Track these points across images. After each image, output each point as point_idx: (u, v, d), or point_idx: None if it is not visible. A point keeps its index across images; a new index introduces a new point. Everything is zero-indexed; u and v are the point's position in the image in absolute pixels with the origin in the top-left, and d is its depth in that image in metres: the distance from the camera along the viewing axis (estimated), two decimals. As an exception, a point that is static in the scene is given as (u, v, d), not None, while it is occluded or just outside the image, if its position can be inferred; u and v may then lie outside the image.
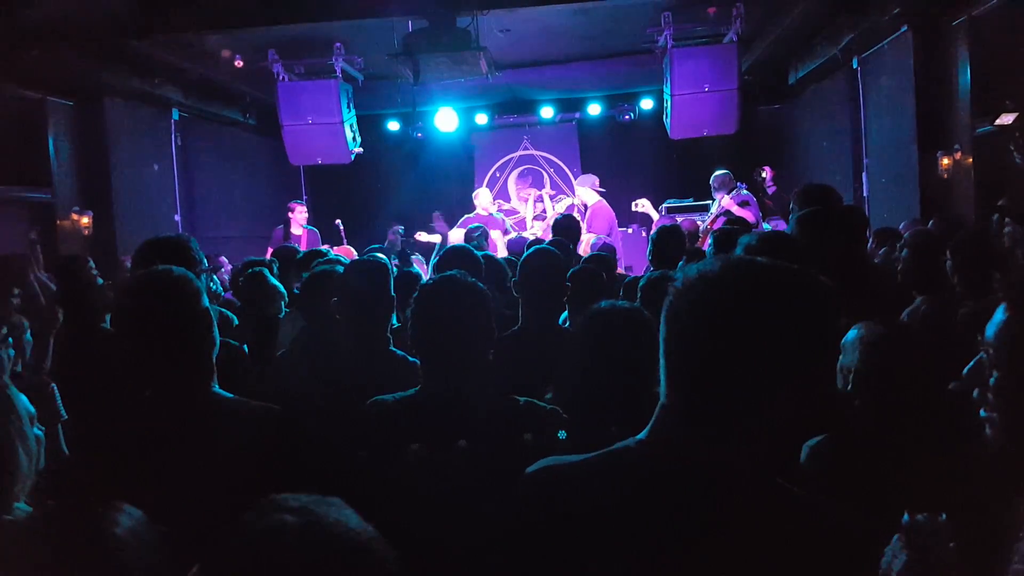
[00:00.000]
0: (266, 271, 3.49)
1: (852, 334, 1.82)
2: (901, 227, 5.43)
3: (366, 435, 1.63)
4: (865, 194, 7.48)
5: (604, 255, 4.03)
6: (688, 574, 0.96)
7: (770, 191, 7.88)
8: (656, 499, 0.98)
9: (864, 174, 7.52)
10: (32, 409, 1.41)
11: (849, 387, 1.78)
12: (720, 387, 0.96)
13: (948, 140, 6.05)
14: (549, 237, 6.13)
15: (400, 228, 8.20)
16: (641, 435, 1.04)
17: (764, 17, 7.28)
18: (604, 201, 7.08)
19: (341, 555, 0.72)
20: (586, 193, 7.24)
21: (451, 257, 3.00)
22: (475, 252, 3.15)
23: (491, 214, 7.66)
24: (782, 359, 0.95)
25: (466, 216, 7.61)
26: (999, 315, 1.11)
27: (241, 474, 1.38)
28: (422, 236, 7.83)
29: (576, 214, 6.87)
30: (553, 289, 2.59)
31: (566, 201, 7.86)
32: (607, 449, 1.06)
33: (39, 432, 1.44)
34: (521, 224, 10.95)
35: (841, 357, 1.82)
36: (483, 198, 7.81)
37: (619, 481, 1.01)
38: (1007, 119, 5.13)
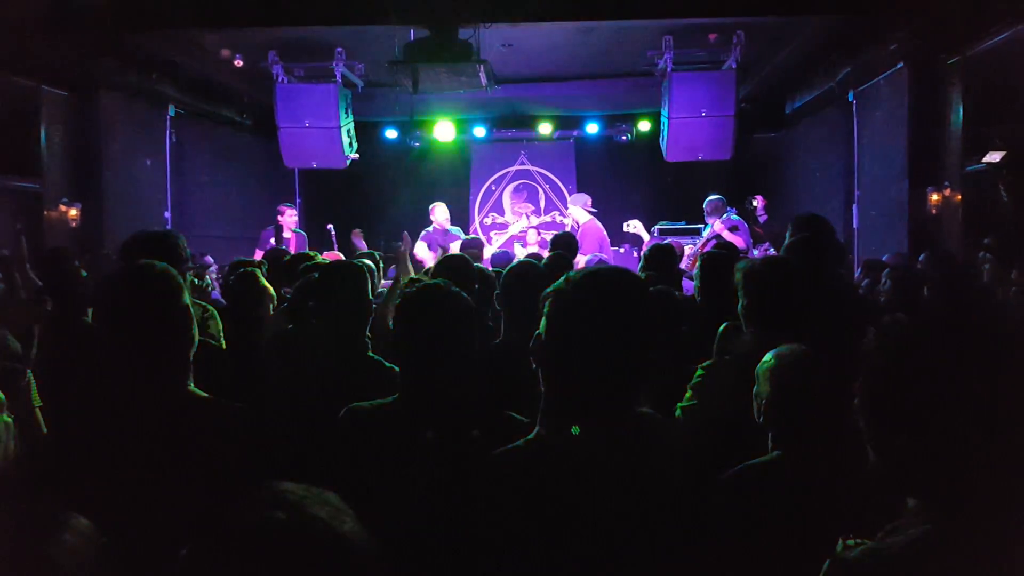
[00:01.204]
0: (258, 272, 3.46)
1: (765, 363, 1.79)
2: (885, 259, 5.48)
3: (341, 441, 1.61)
4: (855, 226, 7.54)
5: None
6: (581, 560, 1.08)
7: (761, 219, 7.93)
8: (549, 491, 1.10)
9: (855, 206, 7.58)
10: (1, 396, 1.38)
11: (761, 418, 1.76)
12: (583, 377, 1.11)
13: (939, 176, 6.12)
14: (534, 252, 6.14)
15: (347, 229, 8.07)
16: (530, 436, 1.18)
17: (763, 46, 7.37)
18: (595, 220, 7.10)
19: (326, 556, 0.72)
20: (578, 212, 7.27)
21: (447, 266, 2.98)
22: (471, 262, 3.14)
23: (447, 229, 7.71)
24: (626, 344, 1.11)
25: (425, 231, 7.60)
26: None
27: (208, 473, 1.35)
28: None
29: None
30: (535, 302, 2.56)
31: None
32: (505, 448, 1.20)
33: (7, 419, 1.41)
34: (513, 239, 10.97)
35: (756, 386, 1.80)
36: (439, 213, 7.76)
37: (518, 478, 1.14)
38: (995, 156, 5.20)
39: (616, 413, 1.11)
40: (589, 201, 7.30)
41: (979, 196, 5.70)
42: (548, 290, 1.19)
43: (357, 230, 9.56)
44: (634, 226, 7.39)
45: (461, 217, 11.13)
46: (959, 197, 5.90)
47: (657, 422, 1.79)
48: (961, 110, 5.82)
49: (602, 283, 1.15)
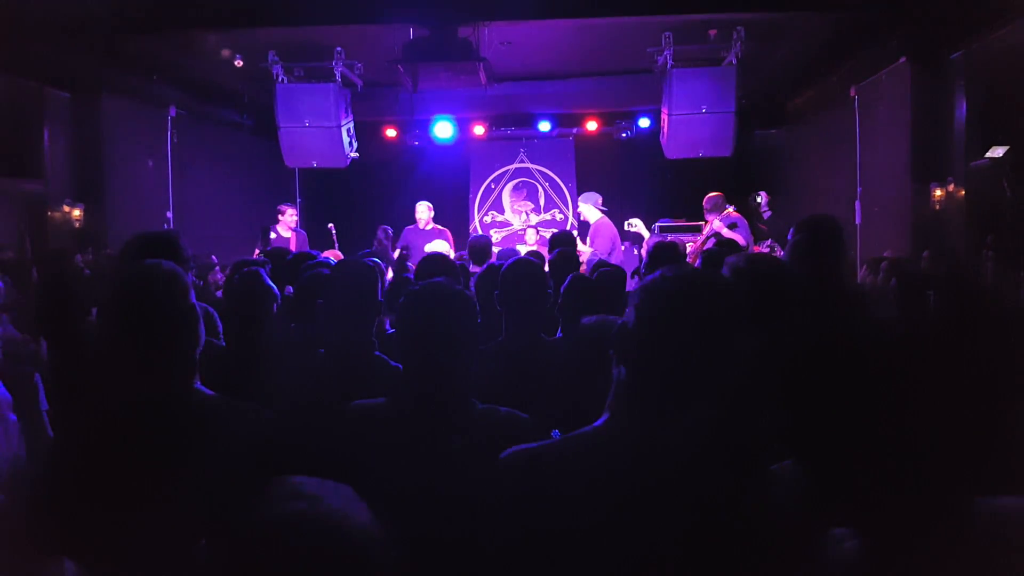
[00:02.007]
0: (262, 272, 3.46)
1: None
2: (886, 253, 5.48)
3: (345, 439, 1.61)
4: (858, 222, 7.53)
5: (615, 270, 4.01)
6: (659, 547, 1.09)
7: (765, 216, 7.92)
8: (621, 476, 1.14)
9: (857, 202, 7.57)
10: (8, 396, 1.39)
11: None
12: (664, 369, 1.16)
13: (942, 172, 6.11)
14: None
15: (389, 229, 8.17)
16: (600, 421, 1.22)
17: (764, 42, 7.35)
18: (607, 218, 7.09)
19: (347, 545, 0.75)
20: (589, 210, 7.25)
21: (431, 264, 2.98)
22: (452, 260, 3.13)
23: (425, 228, 7.77)
24: (712, 342, 1.15)
25: (407, 227, 7.75)
26: None
27: (221, 472, 1.36)
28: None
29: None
30: (535, 301, 2.56)
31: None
32: (572, 433, 1.23)
33: (14, 418, 1.42)
34: (513, 237, 10.99)
35: None
36: (421, 211, 7.90)
37: (588, 462, 1.17)
38: (998, 151, 5.19)
39: (688, 407, 1.15)
40: (600, 199, 7.28)
41: (983, 192, 5.69)
42: (639, 286, 1.23)
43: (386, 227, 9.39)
44: (636, 225, 7.37)
45: (461, 215, 11.14)
46: (963, 193, 5.89)
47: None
48: (964, 105, 5.81)
49: (699, 281, 1.21)
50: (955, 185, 5.99)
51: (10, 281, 3.14)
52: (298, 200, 10.28)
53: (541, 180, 11.35)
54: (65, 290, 2.92)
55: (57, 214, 6.73)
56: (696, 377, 1.15)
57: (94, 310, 3.21)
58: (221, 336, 3.07)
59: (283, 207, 7.57)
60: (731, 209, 6.60)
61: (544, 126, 10.52)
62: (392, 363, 2.09)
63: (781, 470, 1.67)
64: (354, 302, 2.19)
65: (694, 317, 1.16)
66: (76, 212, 6.87)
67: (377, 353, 2.19)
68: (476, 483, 1.28)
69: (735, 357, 1.15)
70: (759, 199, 7.90)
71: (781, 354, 1.01)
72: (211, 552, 0.74)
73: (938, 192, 6.12)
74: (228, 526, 0.75)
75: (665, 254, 4.12)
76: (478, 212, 11.37)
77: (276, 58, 7.38)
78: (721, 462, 1.15)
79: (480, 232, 10.87)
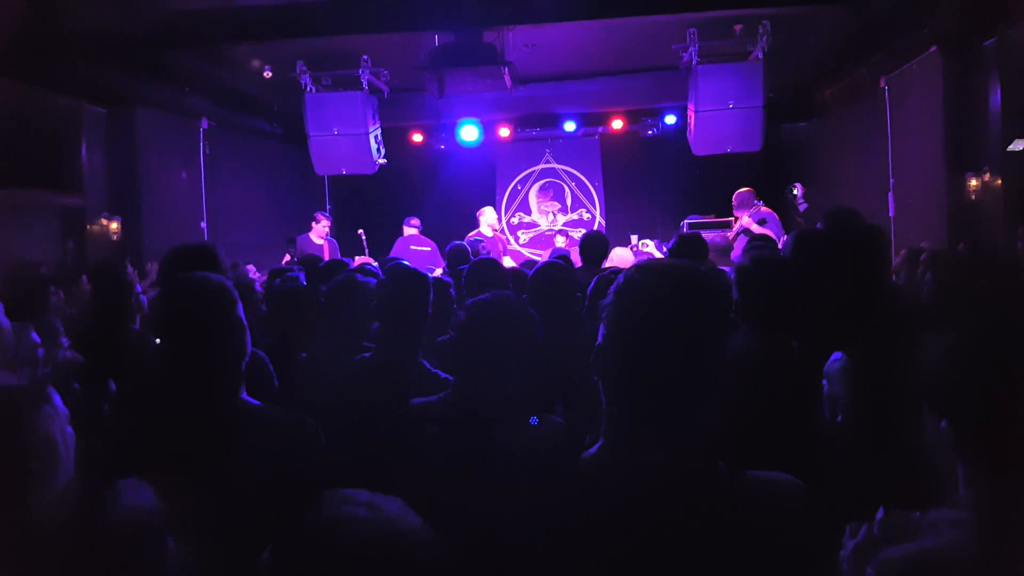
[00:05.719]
0: (299, 280, 3.52)
1: (836, 363, 1.74)
2: (923, 244, 5.37)
3: (399, 440, 1.64)
4: (891, 215, 7.40)
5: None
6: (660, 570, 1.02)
7: (801, 208, 7.81)
8: (613, 507, 1.03)
9: (890, 194, 7.44)
10: (66, 410, 1.44)
11: (839, 417, 1.73)
12: (651, 383, 1.04)
13: (977, 161, 5.98)
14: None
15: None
16: (593, 448, 1.11)
17: (790, 35, 7.26)
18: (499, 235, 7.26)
19: (407, 547, 0.80)
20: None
21: (481, 269, 3.00)
22: (502, 266, 3.14)
23: (496, 234, 7.71)
24: (696, 345, 1.03)
25: (469, 235, 7.59)
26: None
27: (270, 481, 1.40)
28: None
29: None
30: (563, 303, 2.58)
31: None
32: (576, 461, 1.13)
33: (71, 432, 1.47)
34: (541, 238, 11.00)
35: (827, 386, 1.77)
36: (489, 215, 7.78)
37: (582, 492, 1.07)
38: (1019, 145, 5.04)
39: (683, 422, 1.05)
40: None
41: (1022, 180, 5.55)
42: (607, 299, 1.11)
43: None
44: (648, 246, 7.29)
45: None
46: (999, 182, 5.76)
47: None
48: (999, 92, 5.68)
49: (673, 279, 1.07)
50: (991, 174, 5.86)
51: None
52: (328, 207, 10.40)
53: (567, 180, 11.33)
54: (119, 302, 3.01)
55: (96, 227, 6.91)
56: (680, 389, 1.04)
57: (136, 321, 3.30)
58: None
59: (319, 215, 7.64)
60: (761, 204, 6.52)
61: (569, 126, 10.49)
62: (432, 370, 2.12)
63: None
64: (405, 309, 2.21)
65: (671, 321, 1.03)
66: (114, 225, 7.05)
67: (422, 360, 2.21)
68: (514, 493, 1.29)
69: (720, 359, 1.05)
70: (795, 191, 7.78)
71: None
72: (276, 555, 0.78)
73: (974, 182, 5.99)
74: (291, 530, 0.79)
75: (689, 249, 4.00)
76: (505, 214, 11.39)
77: (304, 68, 7.49)
78: (709, 479, 1.07)
79: (508, 234, 10.89)
